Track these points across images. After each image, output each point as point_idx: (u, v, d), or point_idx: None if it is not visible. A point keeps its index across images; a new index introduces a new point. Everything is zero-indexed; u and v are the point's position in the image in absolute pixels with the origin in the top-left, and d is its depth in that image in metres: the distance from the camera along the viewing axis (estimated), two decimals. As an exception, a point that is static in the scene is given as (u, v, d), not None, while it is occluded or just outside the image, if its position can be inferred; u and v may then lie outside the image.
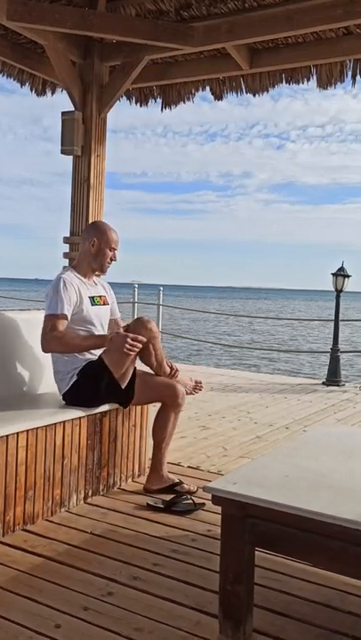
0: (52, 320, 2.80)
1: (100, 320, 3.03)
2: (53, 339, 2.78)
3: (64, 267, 3.13)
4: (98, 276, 3.13)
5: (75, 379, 2.88)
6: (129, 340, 2.76)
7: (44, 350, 2.84)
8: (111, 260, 3.05)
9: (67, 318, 2.83)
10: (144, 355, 2.95)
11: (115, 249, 3.04)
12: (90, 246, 3.00)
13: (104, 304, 3.07)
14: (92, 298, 2.98)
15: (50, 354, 2.93)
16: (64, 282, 2.87)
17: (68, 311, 2.83)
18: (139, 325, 2.91)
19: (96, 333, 2.96)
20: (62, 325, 2.81)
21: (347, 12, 3.28)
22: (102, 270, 3.06)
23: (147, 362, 3.02)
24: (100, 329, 3.02)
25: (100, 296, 3.05)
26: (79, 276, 2.99)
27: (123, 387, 2.90)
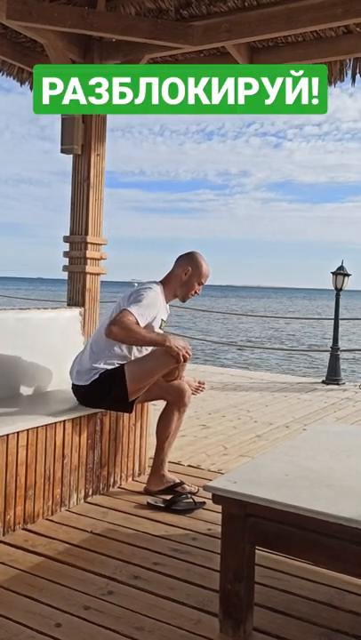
0: (126, 314, 2.78)
1: None
2: (121, 325, 2.74)
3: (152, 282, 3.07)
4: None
5: (96, 377, 2.88)
6: (186, 349, 2.80)
7: (107, 334, 2.80)
8: (195, 292, 3.09)
9: (138, 322, 2.82)
10: (167, 374, 2.97)
11: (202, 284, 3.10)
12: (182, 274, 3.04)
13: (163, 328, 3.11)
14: (162, 320, 3.02)
15: (78, 347, 2.99)
16: (154, 295, 2.91)
17: (141, 319, 2.81)
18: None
19: (148, 350, 3.00)
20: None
21: (346, 11, 3.27)
22: (183, 299, 3.11)
23: (165, 378, 3.03)
24: (151, 348, 3.05)
25: (165, 321, 3.09)
26: (163, 297, 3.02)
27: (130, 400, 2.91)
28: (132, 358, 2.94)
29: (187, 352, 2.82)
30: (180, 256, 3.11)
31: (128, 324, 2.74)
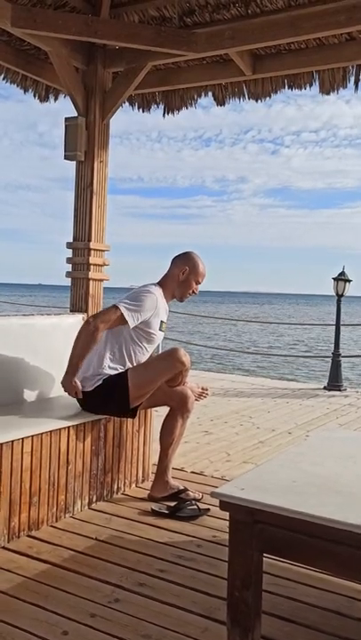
0: (114, 315, 2.82)
1: (158, 343, 3.14)
2: (93, 329, 2.80)
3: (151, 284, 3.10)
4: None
5: (99, 383, 2.88)
6: (73, 394, 2.85)
7: (88, 320, 2.87)
8: (193, 292, 3.11)
9: (126, 324, 2.84)
10: (170, 380, 2.98)
11: (200, 283, 3.12)
12: (180, 273, 3.06)
13: (163, 330, 3.12)
14: (161, 322, 3.03)
15: (91, 347, 2.98)
16: (153, 297, 2.92)
17: (133, 322, 2.85)
18: (174, 356, 2.92)
19: (149, 352, 3.05)
20: (109, 325, 2.83)
21: (349, 18, 3.28)
22: (181, 299, 3.12)
23: (168, 384, 3.03)
24: (152, 350, 3.09)
25: (165, 322, 3.10)
26: (163, 298, 3.03)
27: (132, 406, 2.90)
28: (135, 364, 2.94)
29: (74, 394, 2.86)
30: (177, 256, 3.13)
31: (93, 334, 2.79)
